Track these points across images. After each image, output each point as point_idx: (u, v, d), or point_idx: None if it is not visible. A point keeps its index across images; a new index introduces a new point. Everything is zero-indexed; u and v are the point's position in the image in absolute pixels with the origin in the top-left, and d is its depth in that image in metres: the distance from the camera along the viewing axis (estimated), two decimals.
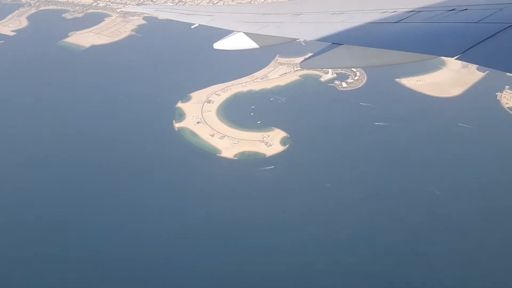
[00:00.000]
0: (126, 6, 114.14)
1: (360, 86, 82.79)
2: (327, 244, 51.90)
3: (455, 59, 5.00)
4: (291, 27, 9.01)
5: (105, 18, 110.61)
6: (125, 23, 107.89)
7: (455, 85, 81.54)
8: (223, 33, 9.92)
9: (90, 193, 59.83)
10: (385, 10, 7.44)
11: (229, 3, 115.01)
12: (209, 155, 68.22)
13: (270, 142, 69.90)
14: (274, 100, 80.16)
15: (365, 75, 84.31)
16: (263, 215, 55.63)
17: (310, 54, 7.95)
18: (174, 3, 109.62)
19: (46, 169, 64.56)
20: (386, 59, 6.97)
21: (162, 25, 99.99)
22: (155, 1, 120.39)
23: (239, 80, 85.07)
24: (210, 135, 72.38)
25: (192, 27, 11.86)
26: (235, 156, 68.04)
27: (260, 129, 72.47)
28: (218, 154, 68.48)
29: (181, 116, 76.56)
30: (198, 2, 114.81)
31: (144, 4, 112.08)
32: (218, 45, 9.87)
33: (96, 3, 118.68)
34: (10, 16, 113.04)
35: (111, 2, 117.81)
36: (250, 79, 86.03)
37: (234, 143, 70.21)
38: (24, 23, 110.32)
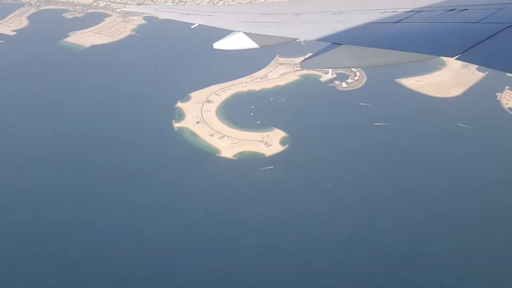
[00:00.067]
0: (126, 6, 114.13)
1: (360, 86, 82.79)
2: (327, 244, 51.90)
3: (455, 59, 5.00)
4: (291, 27, 9.01)
5: (105, 18, 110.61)
6: (125, 23, 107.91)
7: (455, 85, 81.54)
8: (223, 33, 9.92)
9: (90, 193, 59.83)
10: (385, 10, 7.44)
11: (229, 3, 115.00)
12: (208, 155, 68.21)
13: (269, 142, 69.90)
14: (274, 100, 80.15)
15: (365, 75, 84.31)
16: (262, 215, 55.62)
17: (310, 54, 7.95)
18: (174, 3, 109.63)
19: (46, 169, 64.54)
20: (386, 59, 6.97)
21: (162, 25, 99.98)
22: (155, 1, 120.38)
23: (239, 80, 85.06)
24: (210, 135, 72.38)
25: (192, 27, 11.87)
26: (234, 156, 68.04)
27: (259, 129, 72.47)
28: (217, 154, 68.48)
29: (180, 116, 76.56)
30: (199, 2, 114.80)
31: (144, 4, 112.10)
32: (218, 45, 9.87)
33: (96, 3, 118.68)
34: (10, 15, 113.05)
35: (112, 2, 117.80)
36: (250, 79, 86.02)
37: (234, 143, 70.21)
38: (24, 22, 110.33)
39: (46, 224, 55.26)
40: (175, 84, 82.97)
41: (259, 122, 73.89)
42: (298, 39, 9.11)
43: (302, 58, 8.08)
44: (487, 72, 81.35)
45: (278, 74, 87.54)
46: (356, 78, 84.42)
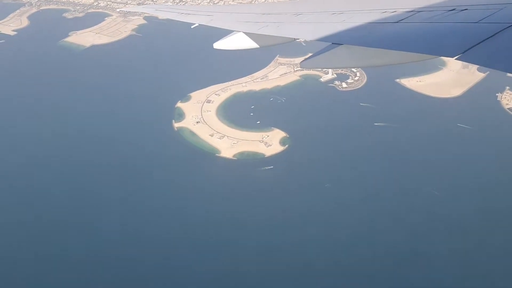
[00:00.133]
0: (127, 5, 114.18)
1: (360, 86, 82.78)
2: (327, 244, 51.89)
3: (455, 59, 4.99)
4: (291, 27, 9.01)
5: (106, 18, 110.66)
6: (125, 23, 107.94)
7: (455, 86, 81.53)
8: (223, 33, 9.92)
9: (90, 193, 59.83)
10: (385, 10, 7.43)
11: (229, 3, 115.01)
12: (208, 155, 68.21)
13: (269, 142, 69.88)
14: (274, 100, 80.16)
15: (365, 76, 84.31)
16: (262, 215, 55.62)
17: (310, 54, 7.95)
18: (174, 2, 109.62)
19: (46, 169, 64.55)
20: (386, 59, 6.97)
21: (163, 25, 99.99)
22: (155, 1, 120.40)
23: (239, 80, 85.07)
24: (210, 135, 72.37)
25: (192, 27, 11.87)
26: (234, 156, 68.04)
27: (259, 129, 72.46)
28: (217, 154, 68.47)
29: (180, 116, 76.57)
30: (199, 2, 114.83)
31: (145, 4, 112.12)
32: (218, 45, 9.87)
33: (96, 3, 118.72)
34: (11, 15, 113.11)
35: (112, 2, 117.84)
36: (250, 79, 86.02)
37: (234, 143, 70.21)
38: (25, 22, 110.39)
39: (46, 224, 55.25)
40: (175, 84, 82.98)
41: (259, 122, 73.89)
42: (298, 39, 9.11)
43: (302, 58, 8.08)
44: (488, 72, 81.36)
45: (278, 74, 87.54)
46: (356, 78, 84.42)
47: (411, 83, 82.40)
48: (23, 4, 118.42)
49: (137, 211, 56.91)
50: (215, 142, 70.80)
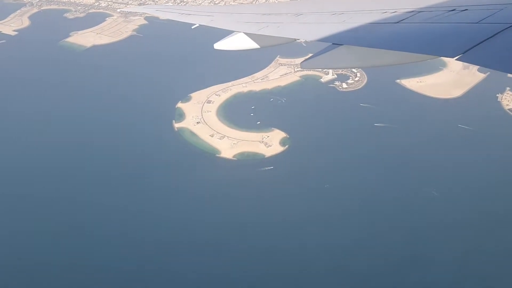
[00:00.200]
0: (128, 6, 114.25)
1: (360, 87, 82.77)
2: (327, 245, 51.82)
3: (456, 59, 4.99)
4: (291, 28, 9.01)
5: (107, 18, 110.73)
6: (126, 23, 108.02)
7: (455, 87, 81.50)
8: (224, 34, 9.92)
9: (89, 193, 59.79)
10: (386, 11, 7.44)
11: (230, 3, 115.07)
12: (208, 155, 68.21)
13: (269, 143, 69.88)
14: (274, 100, 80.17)
15: (365, 76, 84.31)
16: (262, 215, 55.60)
17: (310, 55, 7.95)
18: (175, 3, 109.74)
19: (47, 169, 64.54)
20: (386, 60, 6.96)
21: (163, 25, 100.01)
22: (156, 1, 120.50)
23: (240, 81, 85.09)
24: (210, 135, 72.38)
25: (192, 27, 11.86)
26: (234, 156, 68.04)
27: (259, 129, 72.47)
28: (217, 155, 68.48)
29: (181, 116, 76.59)
30: (199, 2, 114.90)
31: (146, 4, 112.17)
32: (219, 45, 9.86)
33: (98, 3, 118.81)
34: (12, 15, 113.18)
35: (113, 2, 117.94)
36: (250, 80, 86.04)
37: (234, 144, 70.21)
38: (26, 22, 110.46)
39: (45, 227, 55.12)
40: (175, 84, 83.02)
41: (259, 122, 73.89)
42: (298, 39, 9.10)
43: (302, 59, 8.06)
44: (488, 73, 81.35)
45: (279, 75, 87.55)
46: (357, 78, 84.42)
47: (411, 83, 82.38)
48: (24, 4, 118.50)
49: (137, 211, 56.86)
50: (215, 142, 70.80)
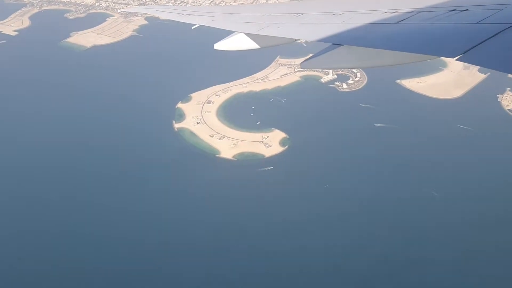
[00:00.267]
0: (128, 6, 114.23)
1: (360, 87, 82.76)
2: (326, 245, 51.78)
3: (456, 59, 4.99)
4: (291, 28, 9.02)
5: (107, 18, 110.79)
6: (126, 24, 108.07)
7: (456, 87, 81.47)
8: (224, 34, 9.92)
9: (89, 194, 59.78)
10: (386, 11, 7.44)
11: (230, 3, 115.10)
12: (208, 156, 68.21)
13: (269, 143, 69.88)
14: (274, 101, 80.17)
15: (365, 77, 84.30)
16: (261, 215, 55.57)
17: (310, 55, 7.95)
18: (175, 3, 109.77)
19: (47, 169, 64.54)
20: (386, 60, 6.96)
21: (164, 26, 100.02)
22: (156, 2, 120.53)
23: (240, 81, 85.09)
24: (210, 135, 72.39)
25: (193, 27, 11.87)
26: (234, 156, 68.03)
27: (259, 130, 72.47)
28: (217, 155, 68.47)
29: (181, 116, 76.60)
30: (200, 2, 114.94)
31: (146, 5, 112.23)
32: (219, 45, 9.87)
33: (98, 3, 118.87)
34: (12, 15, 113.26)
35: (113, 3, 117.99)
36: (250, 80, 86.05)
37: (234, 144, 70.21)
38: (26, 23, 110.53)
39: (44, 229, 55.07)
40: (175, 84, 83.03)
41: (259, 123, 73.90)
42: (299, 39, 9.11)
43: (303, 59, 8.06)
44: (488, 73, 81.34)
45: (279, 75, 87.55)
46: (357, 79, 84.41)
47: (411, 84, 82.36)
48: (25, 5, 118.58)
49: (137, 211, 56.84)
50: (215, 142, 70.80)
